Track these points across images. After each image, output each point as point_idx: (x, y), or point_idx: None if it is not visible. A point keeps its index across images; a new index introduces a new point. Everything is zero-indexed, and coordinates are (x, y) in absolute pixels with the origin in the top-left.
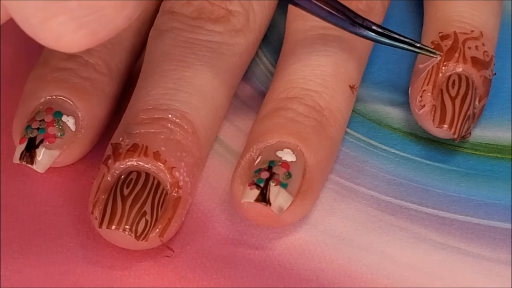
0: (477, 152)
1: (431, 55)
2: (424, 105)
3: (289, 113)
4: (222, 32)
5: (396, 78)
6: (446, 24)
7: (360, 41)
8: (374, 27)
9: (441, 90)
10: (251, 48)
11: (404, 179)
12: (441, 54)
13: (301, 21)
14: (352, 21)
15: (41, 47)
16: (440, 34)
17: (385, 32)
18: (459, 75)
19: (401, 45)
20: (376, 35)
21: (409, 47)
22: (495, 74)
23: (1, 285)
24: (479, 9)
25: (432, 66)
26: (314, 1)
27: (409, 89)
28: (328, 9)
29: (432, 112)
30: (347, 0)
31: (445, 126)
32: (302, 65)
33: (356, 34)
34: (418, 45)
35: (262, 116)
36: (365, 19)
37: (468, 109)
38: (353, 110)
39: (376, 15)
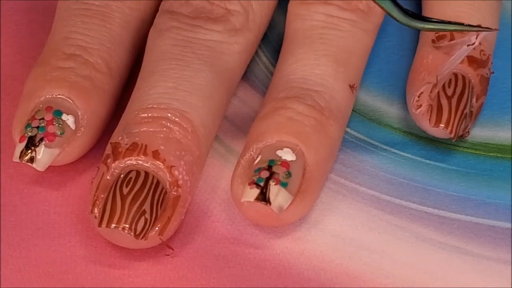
0: (477, 152)
1: (482, 30)
2: (420, 105)
3: (289, 113)
4: (221, 31)
5: (396, 78)
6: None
7: (360, 41)
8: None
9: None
10: (250, 47)
11: (404, 178)
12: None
13: (300, 21)
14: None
15: (41, 47)
16: (437, 34)
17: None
18: (455, 75)
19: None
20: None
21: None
22: (493, 72)
23: (1, 285)
24: (476, 8)
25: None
26: None
27: (406, 89)
28: None
29: (429, 112)
30: (346, 0)
31: (442, 125)
32: (302, 64)
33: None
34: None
35: (262, 116)
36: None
37: (464, 108)
38: (353, 110)
39: (376, 15)
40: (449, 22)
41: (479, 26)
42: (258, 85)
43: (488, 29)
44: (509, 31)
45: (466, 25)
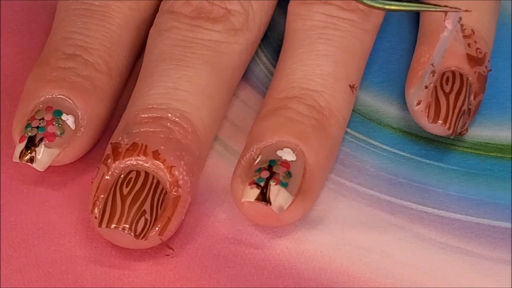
0: (477, 152)
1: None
2: (420, 102)
3: (289, 113)
4: (221, 31)
5: (396, 78)
6: (440, 24)
7: (360, 41)
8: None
9: (435, 87)
10: (250, 47)
11: (404, 178)
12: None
13: (300, 21)
14: None
15: (41, 47)
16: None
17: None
18: (453, 72)
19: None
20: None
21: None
22: (490, 70)
23: (1, 285)
24: (473, 7)
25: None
26: None
27: (405, 86)
28: None
29: (427, 109)
30: (347, 0)
31: (440, 122)
32: (302, 64)
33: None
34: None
35: (262, 116)
36: None
37: (462, 105)
38: (353, 110)
39: (376, 15)
40: (412, 3)
41: (445, 6)
42: (258, 85)
43: (455, 9)
44: (509, 31)
45: (430, 5)
